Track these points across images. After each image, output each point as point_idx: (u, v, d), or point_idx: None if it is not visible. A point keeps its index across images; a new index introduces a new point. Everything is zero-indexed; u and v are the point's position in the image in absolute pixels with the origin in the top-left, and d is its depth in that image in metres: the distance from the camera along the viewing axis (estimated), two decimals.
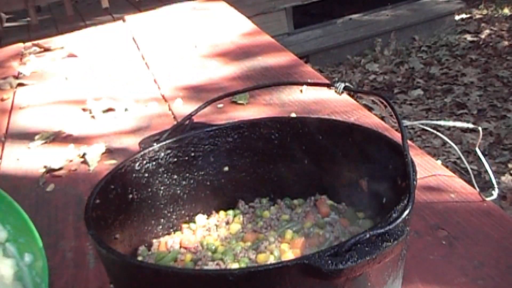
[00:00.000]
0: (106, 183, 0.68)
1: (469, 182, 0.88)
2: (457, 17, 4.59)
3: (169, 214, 0.77)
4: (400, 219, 0.50)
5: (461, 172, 2.39)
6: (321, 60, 4.13)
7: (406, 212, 0.51)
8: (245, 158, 0.79)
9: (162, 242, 0.74)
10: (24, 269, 0.70)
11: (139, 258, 0.70)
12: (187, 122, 0.81)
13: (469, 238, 0.75)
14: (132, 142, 1.19)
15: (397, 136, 0.76)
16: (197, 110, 0.81)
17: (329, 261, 0.47)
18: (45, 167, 1.15)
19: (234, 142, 0.78)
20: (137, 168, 0.73)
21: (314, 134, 0.75)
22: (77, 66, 1.78)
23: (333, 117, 1.12)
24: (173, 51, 1.74)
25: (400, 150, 0.60)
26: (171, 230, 0.77)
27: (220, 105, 1.27)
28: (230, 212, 0.78)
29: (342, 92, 0.73)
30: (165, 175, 0.76)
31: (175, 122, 1.20)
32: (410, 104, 3.37)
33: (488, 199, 0.82)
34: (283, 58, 1.55)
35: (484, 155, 1.23)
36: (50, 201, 1.04)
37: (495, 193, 0.85)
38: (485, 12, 4.73)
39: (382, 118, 1.11)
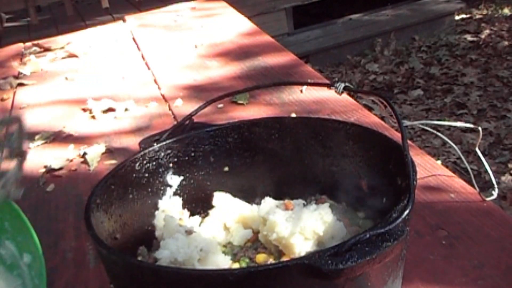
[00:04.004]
0: (106, 183, 0.68)
1: (469, 182, 0.88)
2: (457, 17, 4.59)
3: None
4: (400, 219, 0.50)
5: (461, 172, 2.39)
6: (321, 60, 4.13)
7: (406, 212, 0.51)
8: (245, 158, 0.79)
9: None
10: (24, 268, 0.70)
11: (139, 258, 0.70)
12: (187, 122, 0.81)
13: (469, 238, 0.75)
14: (132, 142, 1.19)
15: (397, 136, 0.76)
16: (197, 110, 0.81)
17: (329, 261, 0.47)
18: (45, 167, 1.15)
19: (234, 142, 0.78)
20: (137, 168, 0.73)
21: (314, 134, 0.75)
22: (77, 66, 1.78)
23: (333, 117, 1.12)
24: (173, 51, 1.74)
25: (400, 150, 0.60)
26: None
27: (220, 105, 1.27)
28: None
29: (342, 92, 0.73)
30: (165, 175, 0.76)
31: (175, 122, 1.20)
32: (410, 104, 3.37)
33: (488, 199, 0.83)
34: (283, 58, 1.55)
35: (484, 155, 1.23)
36: (50, 201, 1.04)
37: (495, 193, 0.85)
38: (485, 12, 4.73)
39: (382, 118, 1.11)
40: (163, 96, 1.42)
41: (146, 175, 0.74)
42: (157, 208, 0.75)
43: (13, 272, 0.71)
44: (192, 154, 0.77)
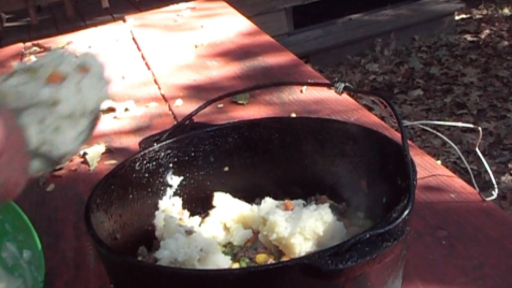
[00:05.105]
0: (106, 183, 0.68)
1: (469, 182, 0.88)
2: (457, 17, 4.59)
3: None
4: (400, 219, 0.50)
5: (461, 172, 2.39)
6: (321, 60, 4.13)
7: (406, 212, 0.51)
8: (245, 158, 0.79)
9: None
10: (24, 266, 0.70)
11: (139, 258, 0.70)
12: (187, 122, 0.81)
13: (469, 238, 0.75)
14: (132, 142, 1.19)
15: (397, 136, 0.76)
16: (197, 110, 0.81)
17: (329, 261, 0.47)
18: None
19: (234, 142, 0.78)
20: (137, 168, 0.73)
21: (314, 134, 0.75)
22: None
23: (333, 117, 1.12)
24: (173, 51, 1.74)
25: (400, 150, 0.60)
26: None
27: (220, 105, 1.27)
28: None
29: (342, 92, 0.73)
30: (165, 175, 0.76)
31: (175, 122, 1.20)
32: (410, 104, 3.37)
33: (488, 199, 0.83)
34: (283, 58, 1.55)
35: (484, 155, 1.23)
36: (50, 201, 1.04)
37: (495, 193, 0.85)
38: (485, 12, 4.73)
39: (382, 118, 1.11)
40: (163, 96, 1.42)
41: (146, 175, 0.74)
42: (157, 208, 0.75)
43: (14, 273, 0.72)
44: (192, 154, 0.77)
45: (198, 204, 0.79)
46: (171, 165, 0.76)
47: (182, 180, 0.77)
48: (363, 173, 0.71)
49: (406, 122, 0.87)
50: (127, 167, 0.72)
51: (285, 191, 0.78)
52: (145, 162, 0.74)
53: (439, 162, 0.97)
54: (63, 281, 0.81)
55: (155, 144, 0.75)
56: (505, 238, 0.74)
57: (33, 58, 1.89)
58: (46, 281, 0.67)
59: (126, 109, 1.36)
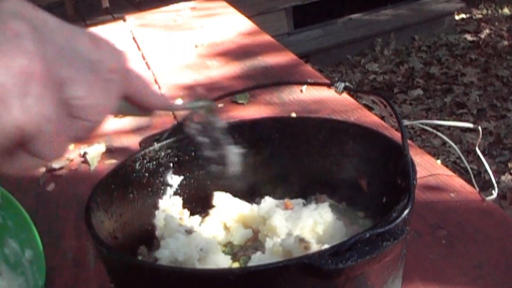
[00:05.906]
0: (106, 183, 0.68)
1: (469, 182, 0.88)
2: (457, 17, 4.59)
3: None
4: (400, 219, 0.50)
5: (461, 172, 2.39)
6: (321, 60, 4.13)
7: (406, 211, 0.51)
8: (245, 158, 0.79)
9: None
10: (26, 265, 0.70)
11: (139, 258, 0.70)
12: (187, 121, 0.80)
13: (469, 238, 0.75)
14: (132, 142, 1.19)
15: (397, 136, 0.76)
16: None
17: (329, 261, 0.47)
18: (45, 166, 1.15)
19: (234, 142, 0.78)
20: (137, 167, 0.73)
21: (314, 134, 0.75)
22: None
23: (333, 117, 1.12)
24: (173, 51, 1.74)
25: (400, 150, 0.60)
26: None
27: (220, 105, 1.27)
28: None
29: (342, 92, 0.73)
30: (165, 175, 0.76)
31: (175, 122, 1.20)
32: (410, 104, 3.37)
33: (488, 198, 0.83)
34: (283, 58, 1.55)
35: (484, 155, 1.23)
36: (51, 201, 1.04)
37: (495, 192, 0.85)
38: (485, 12, 4.73)
39: (382, 118, 1.11)
40: (163, 96, 1.42)
41: (147, 174, 0.74)
42: (157, 208, 0.75)
43: (17, 271, 0.72)
44: (192, 154, 0.77)
45: (198, 203, 0.79)
46: (171, 164, 0.76)
47: (182, 180, 0.77)
48: (363, 173, 0.71)
49: (406, 122, 0.87)
50: (127, 167, 0.72)
51: (285, 190, 0.78)
52: (145, 161, 0.74)
53: (439, 161, 0.97)
54: (63, 280, 0.81)
55: (155, 143, 0.75)
56: (505, 238, 0.74)
57: None
58: (46, 283, 0.67)
59: None
